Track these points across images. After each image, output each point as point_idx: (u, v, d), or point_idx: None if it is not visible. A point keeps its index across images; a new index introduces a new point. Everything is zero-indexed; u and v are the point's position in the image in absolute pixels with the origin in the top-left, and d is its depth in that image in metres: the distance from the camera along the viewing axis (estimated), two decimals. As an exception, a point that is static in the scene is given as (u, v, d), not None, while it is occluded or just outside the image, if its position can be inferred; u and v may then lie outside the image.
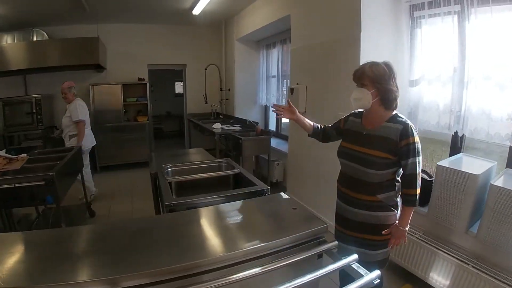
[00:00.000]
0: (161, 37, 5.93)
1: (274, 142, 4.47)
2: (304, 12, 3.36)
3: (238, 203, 1.51)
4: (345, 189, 1.58)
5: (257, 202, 1.56)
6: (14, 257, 0.98)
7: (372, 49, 2.49)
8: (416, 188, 1.42)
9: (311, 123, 1.80)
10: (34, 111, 4.91)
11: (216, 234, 1.21)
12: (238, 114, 5.55)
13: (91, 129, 4.02)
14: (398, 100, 1.48)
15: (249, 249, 1.05)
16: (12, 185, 2.18)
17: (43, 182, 2.23)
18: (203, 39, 6.23)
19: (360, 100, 1.47)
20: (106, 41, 5.30)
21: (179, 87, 8.45)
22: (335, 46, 2.85)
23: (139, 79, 5.69)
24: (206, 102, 5.99)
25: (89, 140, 3.86)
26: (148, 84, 5.70)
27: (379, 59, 1.50)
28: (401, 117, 1.46)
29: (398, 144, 1.40)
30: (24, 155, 2.80)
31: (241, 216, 1.36)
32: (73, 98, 3.70)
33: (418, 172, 1.40)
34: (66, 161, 2.73)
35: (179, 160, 2.46)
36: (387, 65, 1.45)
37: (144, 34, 5.81)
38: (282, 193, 1.61)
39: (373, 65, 1.45)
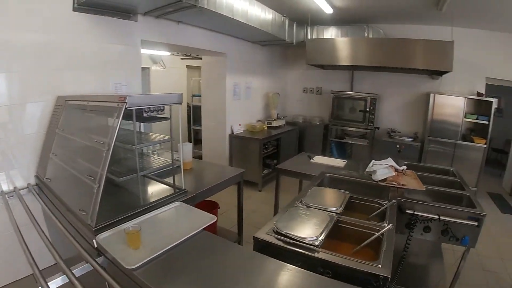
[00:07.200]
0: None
1: None
2: None
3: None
4: None
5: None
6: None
7: None
8: None
9: None
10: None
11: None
12: None
13: None
14: None
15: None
16: (437, 216, 2.04)
17: (476, 224, 1.94)
18: None
19: None
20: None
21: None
22: None
23: (478, 94, 4.74)
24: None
25: None
26: (492, 102, 4.55)
27: None
28: None
29: None
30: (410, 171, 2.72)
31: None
32: None
33: None
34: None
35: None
36: None
37: (493, 44, 4.79)
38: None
39: None
